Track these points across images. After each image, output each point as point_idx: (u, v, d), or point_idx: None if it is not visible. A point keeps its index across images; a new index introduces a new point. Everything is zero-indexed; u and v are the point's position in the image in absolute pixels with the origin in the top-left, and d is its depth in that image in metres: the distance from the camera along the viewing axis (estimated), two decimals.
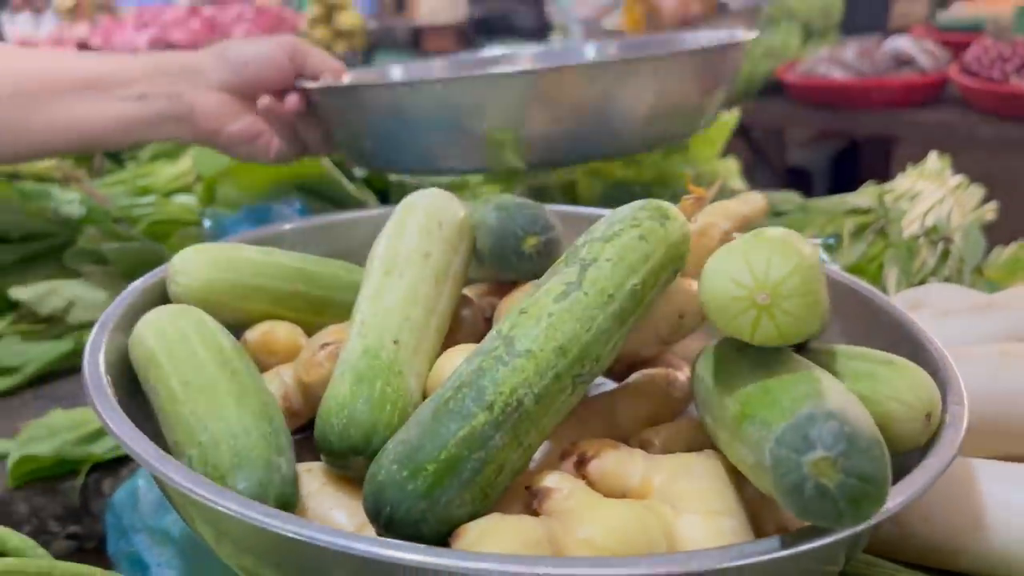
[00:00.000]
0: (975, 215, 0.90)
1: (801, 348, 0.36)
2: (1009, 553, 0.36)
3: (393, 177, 0.93)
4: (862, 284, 0.44)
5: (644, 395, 0.39)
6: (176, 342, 0.36)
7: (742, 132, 3.12)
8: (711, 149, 0.86)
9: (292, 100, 0.72)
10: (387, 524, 0.29)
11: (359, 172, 0.91)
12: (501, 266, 0.43)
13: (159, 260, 0.80)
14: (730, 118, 0.89)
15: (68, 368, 0.77)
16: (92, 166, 1.00)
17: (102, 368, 0.35)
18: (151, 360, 0.36)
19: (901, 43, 2.67)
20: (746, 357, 0.32)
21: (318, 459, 0.35)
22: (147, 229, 0.85)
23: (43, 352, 0.75)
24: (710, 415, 0.33)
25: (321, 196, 0.84)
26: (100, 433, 0.64)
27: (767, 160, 3.23)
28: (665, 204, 0.37)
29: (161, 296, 0.43)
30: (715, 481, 0.31)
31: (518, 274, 0.43)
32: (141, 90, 0.70)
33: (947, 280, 0.71)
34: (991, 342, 0.46)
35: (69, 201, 0.86)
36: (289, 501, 0.32)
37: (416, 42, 4.03)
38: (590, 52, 0.94)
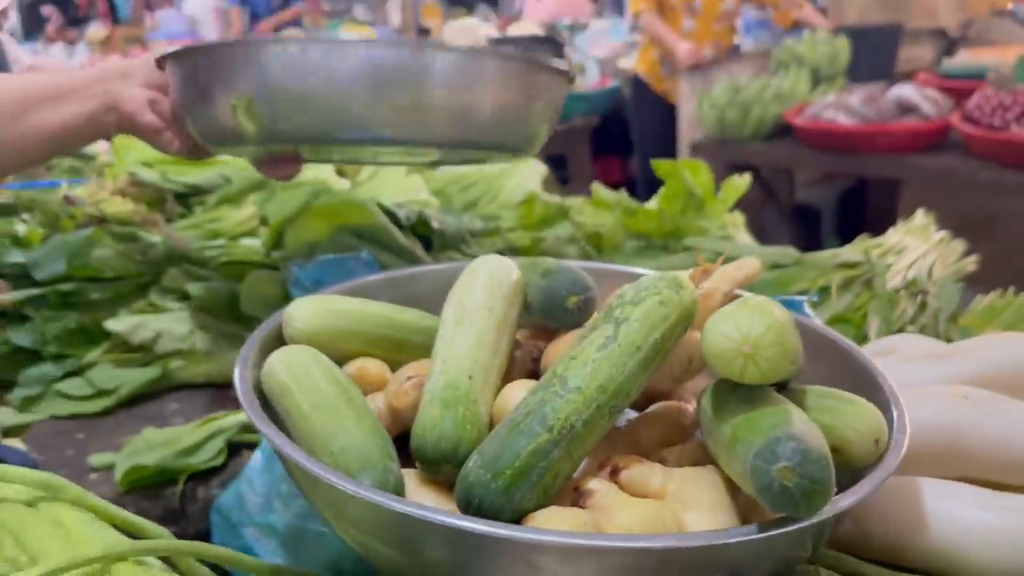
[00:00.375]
0: (956, 267, 1.01)
1: (782, 387, 0.46)
2: (941, 549, 0.46)
3: (435, 225, 1.04)
4: (836, 335, 0.55)
5: (661, 422, 0.50)
6: (302, 374, 0.47)
7: (753, 171, 3.24)
8: (723, 206, 0.97)
9: (163, 101, 0.81)
10: (475, 513, 0.39)
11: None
12: (548, 318, 0.53)
13: (234, 297, 0.92)
14: (741, 183, 0.99)
15: (155, 391, 0.88)
16: (165, 210, 1.12)
17: (252, 394, 0.46)
18: (284, 388, 0.46)
19: (905, 91, 2.78)
20: (736, 394, 0.42)
21: (412, 466, 0.46)
22: (221, 269, 0.96)
23: (134, 377, 0.86)
24: (711, 438, 0.43)
25: (374, 241, 0.95)
26: (194, 448, 0.75)
27: (776, 198, 3.33)
28: (680, 276, 0.47)
29: (278, 337, 0.54)
30: (714, 487, 0.41)
31: (561, 325, 0.53)
32: (90, 92, 0.83)
33: (924, 328, 0.81)
34: (944, 384, 0.57)
35: (152, 244, 0.98)
36: (401, 494, 0.42)
37: None
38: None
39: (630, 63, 4.53)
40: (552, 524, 0.38)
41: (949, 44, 4.03)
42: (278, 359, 0.49)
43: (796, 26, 3.88)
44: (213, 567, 0.53)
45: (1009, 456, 0.50)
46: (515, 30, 4.35)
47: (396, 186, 1.13)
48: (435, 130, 0.67)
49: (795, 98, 3.06)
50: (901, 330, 0.78)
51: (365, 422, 0.44)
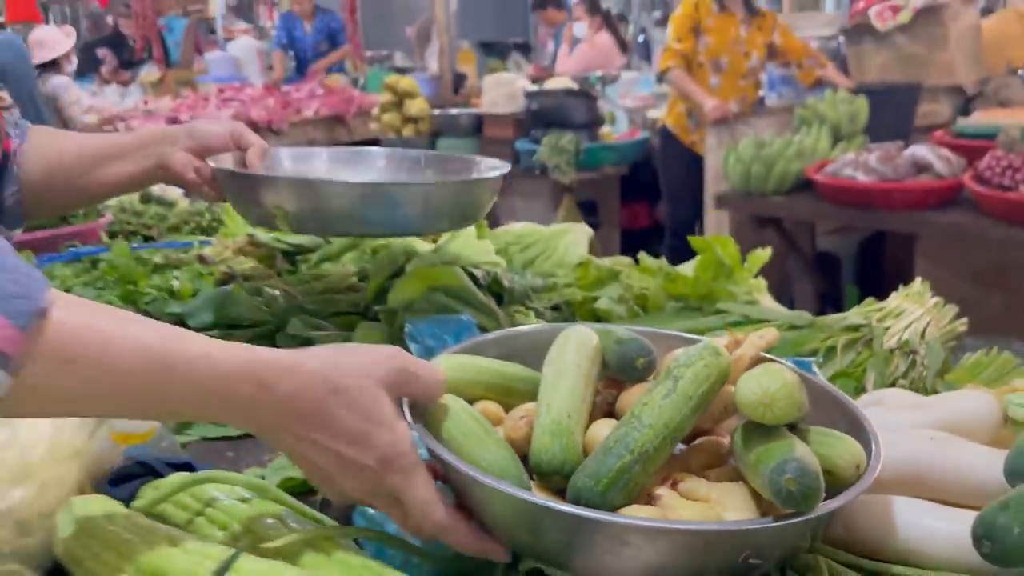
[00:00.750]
0: (947, 329, 1.18)
1: (792, 427, 0.64)
2: (910, 547, 0.64)
3: (506, 283, 1.24)
4: (834, 389, 0.73)
5: (705, 451, 0.68)
6: (453, 412, 0.65)
7: (775, 223, 3.42)
8: (749, 273, 1.16)
9: (205, 168, 1.07)
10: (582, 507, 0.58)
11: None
12: (621, 374, 0.72)
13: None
14: (763, 254, 1.18)
15: None
16: (276, 266, 1.32)
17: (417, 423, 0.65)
18: (439, 423, 0.65)
19: (921, 150, 2.96)
20: (758, 431, 0.60)
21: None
22: (331, 319, 1.16)
23: None
24: (740, 462, 0.62)
25: (460, 298, 1.15)
26: None
27: (798, 248, 3.51)
28: (719, 346, 0.66)
29: None
30: (744, 495, 0.60)
31: (630, 379, 0.72)
32: (144, 153, 1.09)
33: (914, 381, 0.99)
34: (918, 429, 0.75)
35: (275, 297, 1.18)
36: None
37: (478, 128, 4.41)
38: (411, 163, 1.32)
39: (658, 113, 4.75)
40: (634, 515, 0.57)
41: (966, 101, 4.21)
42: None
43: (818, 84, 4.08)
44: None
45: (961, 483, 0.68)
46: (551, 84, 4.58)
47: (470, 248, 1.33)
48: (414, 228, 1.11)
49: (816, 155, 3.25)
50: (894, 384, 0.96)
51: (502, 446, 0.63)
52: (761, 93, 4.47)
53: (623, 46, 6.07)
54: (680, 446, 0.69)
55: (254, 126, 5.17)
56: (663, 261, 1.22)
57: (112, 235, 1.62)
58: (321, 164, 1.28)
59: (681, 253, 1.24)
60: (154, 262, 1.20)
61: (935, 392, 0.98)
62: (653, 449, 0.59)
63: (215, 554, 0.58)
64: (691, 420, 0.63)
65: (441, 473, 0.64)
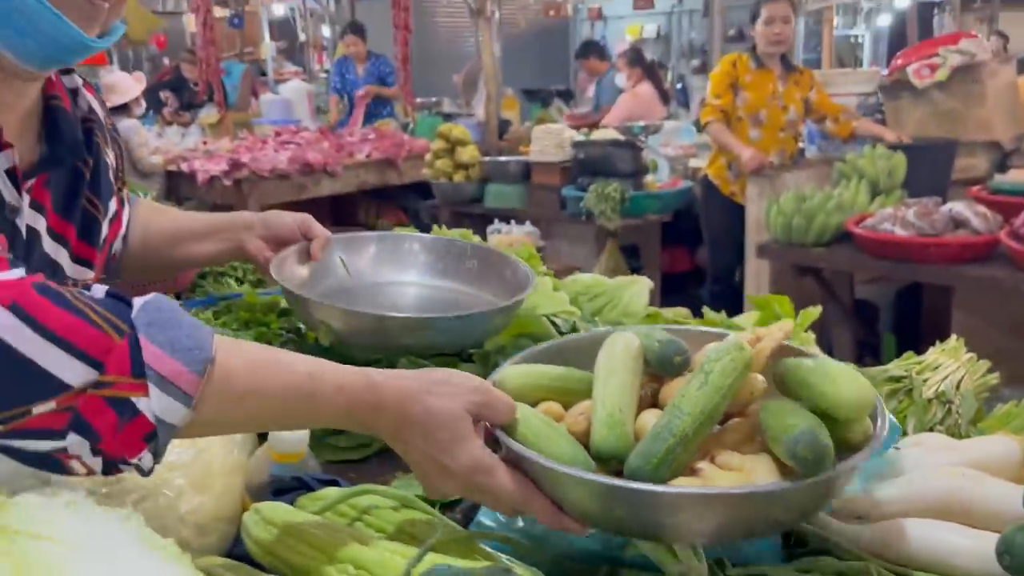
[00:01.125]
0: (981, 381, 1.32)
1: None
2: (942, 560, 0.78)
3: (582, 331, 1.40)
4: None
5: (736, 431, 0.81)
6: (523, 418, 0.80)
7: (815, 271, 3.54)
8: (800, 328, 1.31)
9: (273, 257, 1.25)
10: None
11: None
12: (661, 370, 0.85)
13: None
14: (814, 311, 1.33)
15: None
16: None
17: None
18: (514, 428, 0.80)
19: (958, 207, 3.08)
20: (777, 410, 0.74)
21: None
22: (433, 360, 1.33)
23: None
24: (766, 437, 0.75)
25: (533, 338, 1.32)
26: None
27: (837, 297, 3.62)
28: (742, 341, 0.78)
29: None
30: (770, 464, 0.73)
31: (669, 374, 0.84)
32: (224, 236, 1.26)
33: (950, 428, 1.13)
34: (951, 466, 0.89)
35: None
36: None
37: (526, 175, 4.61)
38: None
39: (699, 162, 4.92)
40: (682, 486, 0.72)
41: (1003, 156, 4.32)
42: None
43: (853, 136, 4.22)
44: None
45: (987, 511, 0.83)
46: (597, 134, 4.77)
47: (549, 298, 1.50)
48: (443, 349, 1.31)
49: (855, 208, 3.37)
50: (932, 429, 1.10)
51: (568, 439, 0.79)
52: (801, 145, 4.63)
53: (665, 97, 6.27)
54: (716, 427, 0.82)
55: (310, 168, 5.44)
56: (723, 315, 1.38)
57: (202, 276, 1.79)
58: (368, 259, 1.44)
59: (722, 298, 1.39)
60: (281, 307, 1.39)
61: (968, 437, 1.12)
62: (692, 432, 0.73)
63: (397, 549, 0.74)
64: (722, 406, 0.75)
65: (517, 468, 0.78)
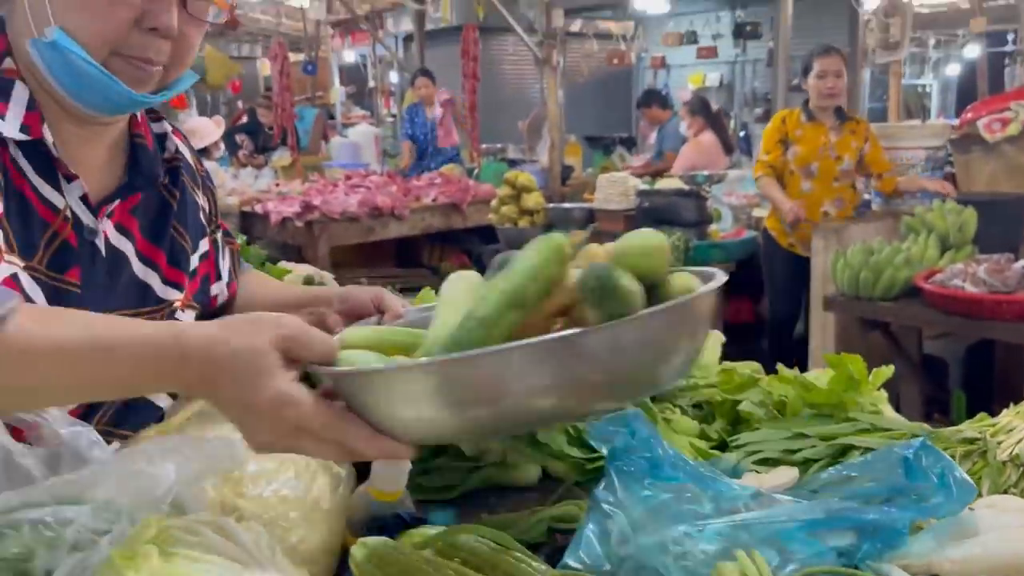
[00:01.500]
0: None
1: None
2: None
3: None
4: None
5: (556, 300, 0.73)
6: (349, 352, 0.87)
7: (882, 325, 3.51)
8: (873, 386, 1.35)
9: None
10: None
11: None
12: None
13: None
14: (887, 370, 1.36)
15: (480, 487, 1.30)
16: None
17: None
18: (334, 361, 0.86)
19: None
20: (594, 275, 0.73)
21: None
22: None
23: (469, 477, 1.29)
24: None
25: None
26: (529, 527, 1.16)
27: (904, 352, 3.58)
28: (557, 235, 0.74)
29: None
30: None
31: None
32: (310, 311, 1.27)
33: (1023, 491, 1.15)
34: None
35: None
36: None
37: (589, 221, 4.68)
38: None
39: (762, 212, 4.93)
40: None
41: None
42: None
43: (898, 193, 4.21)
44: None
45: None
46: (662, 183, 4.84)
47: None
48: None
49: (924, 263, 3.34)
50: (1006, 491, 1.12)
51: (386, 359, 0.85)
52: (867, 196, 4.61)
53: (728, 146, 6.32)
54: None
55: (378, 211, 5.61)
56: (795, 370, 1.42)
57: None
58: None
59: (781, 350, 1.43)
60: None
61: None
62: (495, 313, 0.73)
63: None
64: (530, 288, 0.73)
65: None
